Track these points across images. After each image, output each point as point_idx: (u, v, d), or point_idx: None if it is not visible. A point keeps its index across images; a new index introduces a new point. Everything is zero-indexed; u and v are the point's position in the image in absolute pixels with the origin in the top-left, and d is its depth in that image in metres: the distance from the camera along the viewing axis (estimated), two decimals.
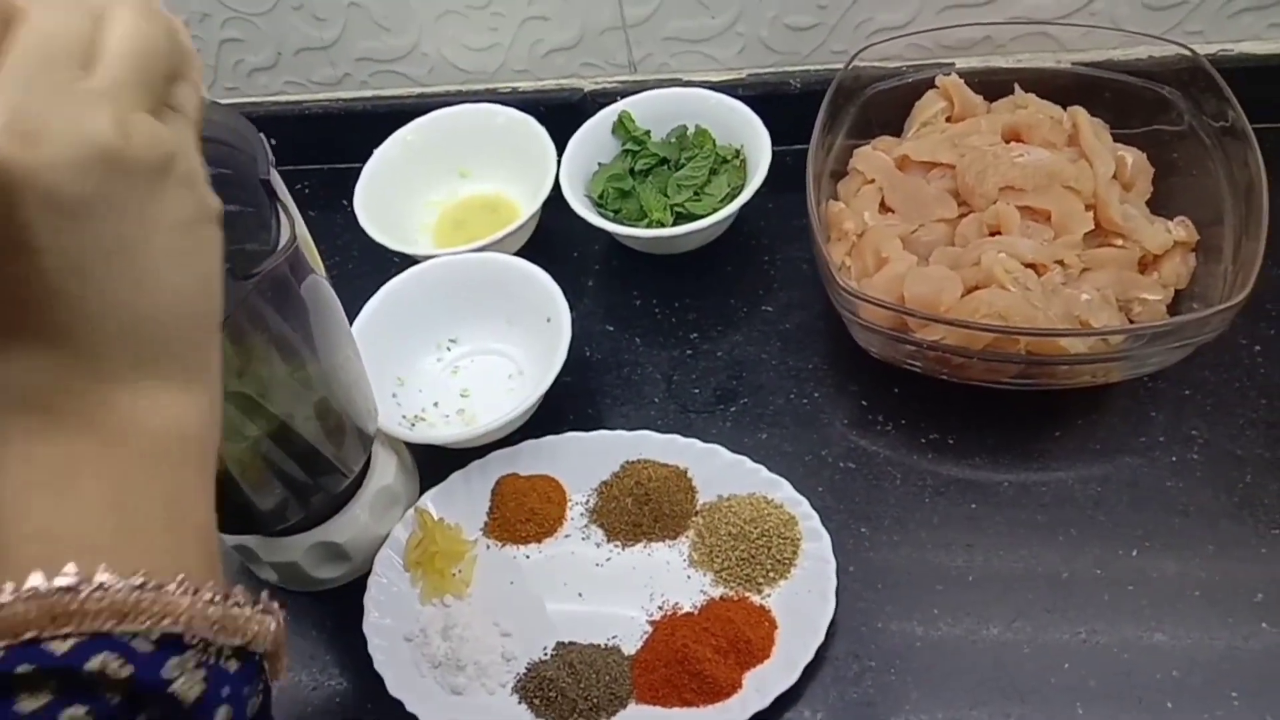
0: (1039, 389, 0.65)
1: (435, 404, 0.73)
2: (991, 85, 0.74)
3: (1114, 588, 0.59)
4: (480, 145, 0.84)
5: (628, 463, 0.66)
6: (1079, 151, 0.69)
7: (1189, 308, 0.64)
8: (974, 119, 0.72)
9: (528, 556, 0.64)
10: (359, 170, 0.80)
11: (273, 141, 0.49)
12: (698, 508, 0.64)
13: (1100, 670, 0.56)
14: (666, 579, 0.62)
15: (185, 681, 0.29)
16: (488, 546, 0.65)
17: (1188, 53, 0.68)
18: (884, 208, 0.70)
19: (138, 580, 0.29)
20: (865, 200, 0.70)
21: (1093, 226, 0.66)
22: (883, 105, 0.75)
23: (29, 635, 0.27)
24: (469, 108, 0.83)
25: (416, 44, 0.84)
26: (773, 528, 0.61)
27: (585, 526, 0.65)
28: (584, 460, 0.67)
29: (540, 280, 0.70)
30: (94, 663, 0.27)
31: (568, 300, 0.69)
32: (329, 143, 0.90)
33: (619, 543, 0.64)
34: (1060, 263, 0.64)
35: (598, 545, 0.64)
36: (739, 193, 0.75)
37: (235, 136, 0.50)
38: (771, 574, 0.60)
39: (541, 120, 0.80)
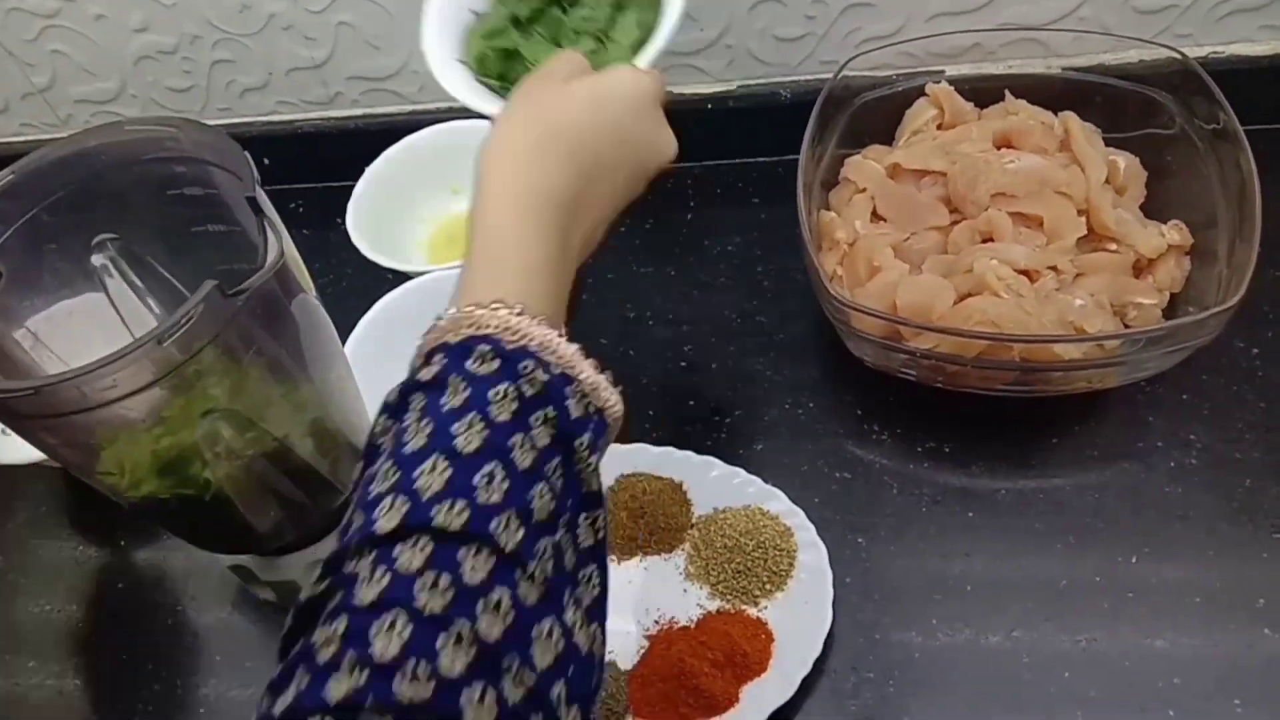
0: (1035, 396, 0.64)
1: None
2: (982, 92, 0.74)
3: (1114, 595, 0.58)
4: (472, 161, 0.83)
5: (623, 476, 0.66)
6: (1071, 157, 0.69)
7: (1184, 311, 0.64)
8: (965, 126, 0.72)
9: None
10: (351, 188, 0.80)
11: (265, 161, 0.50)
12: (694, 521, 0.64)
13: (1101, 679, 0.55)
14: (662, 593, 0.62)
15: (574, 404, 0.38)
16: None
17: (1178, 56, 0.68)
18: (876, 216, 0.70)
19: (558, 334, 0.39)
20: (857, 209, 0.70)
21: (1085, 232, 0.66)
22: (873, 114, 0.75)
23: (489, 331, 0.38)
24: (460, 124, 0.83)
25: (406, 62, 0.84)
26: (769, 540, 0.61)
27: None
28: None
29: None
30: (524, 364, 0.37)
31: None
32: (321, 161, 0.90)
33: (614, 557, 0.64)
34: (1053, 268, 0.64)
35: None
36: (652, 35, 0.58)
37: (221, 156, 0.51)
38: (768, 586, 0.60)
39: None
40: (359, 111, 0.89)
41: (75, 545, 0.74)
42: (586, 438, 0.38)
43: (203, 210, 0.55)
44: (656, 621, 0.60)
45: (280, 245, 0.47)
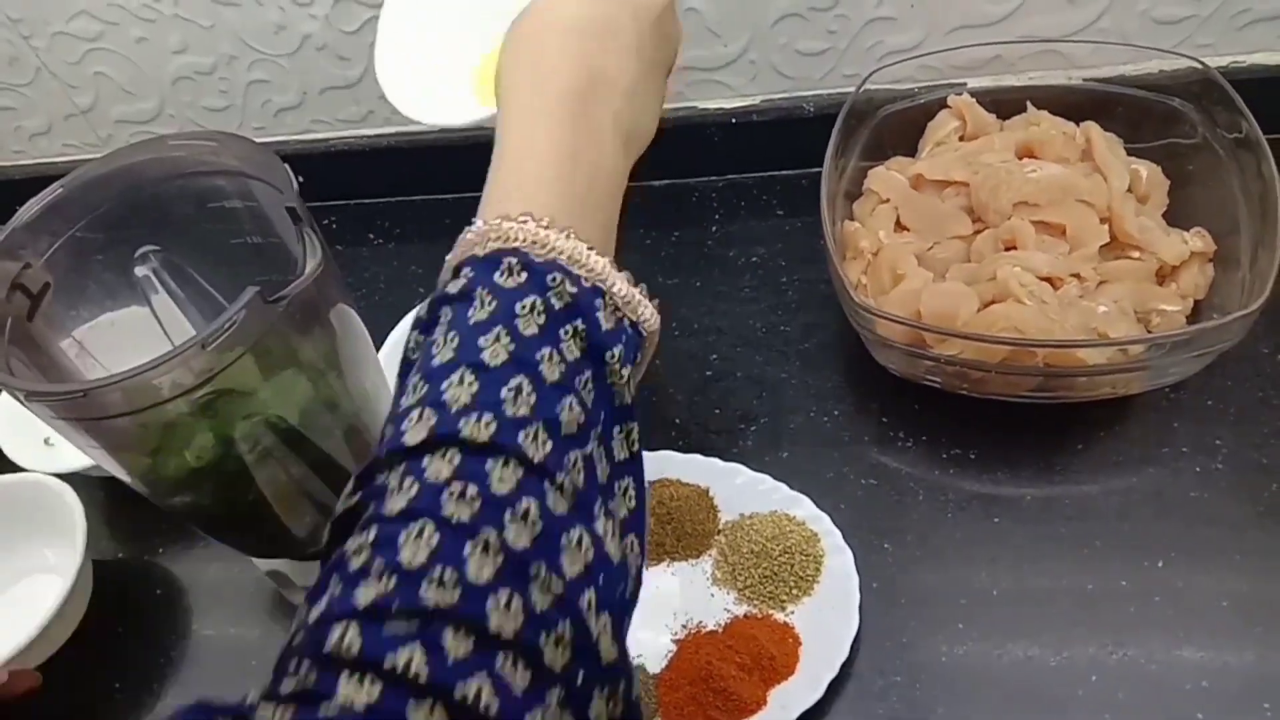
0: (1059, 402, 0.65)
1: None
2: (1003, 104, 0.75)
3: (1140, 599, 0.58)
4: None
5: (649, 483, 0.67)
6: (1093, 166, 0.69)
7: (1208, 318, 0.64)
8: (987, 137, 0.73)
9: None
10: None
11: (299, 179, 0.51)
12: (720, 526, 0.65)
13: (1129, 683, 0.56)
14: (690, 598, 0.62)
15: (604, 316, 0.38)
16: None
17: (1199, 65, 0.68)
18: (899, 226, 0.71)
19: (588, 247, 0.39)
20: (880, 219, 0.71)
21: (1108, 239, 0.66)
22: (895, 126, 0.75)
23: (517, 244, 0.38)
24: None
25: None
26: (795, 545, 0.61)
27: None
28: None
29: None
30: (553, 277, 0.37)
31: None
32: (354, 179, 0.92)
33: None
34: (1076, 276, 0.64)
35: None
36: None
37: (260, 169, 0.52)
38: (795, 591, 0.61)
39: None
40: (391, 130, 0.91)
41: (114, 553, 0.75)
42: (618, 350, 0.38)
43: (242, 223, 0.56)
44: (684, 626, 0.61)
45: (320, 252, 0.48)
